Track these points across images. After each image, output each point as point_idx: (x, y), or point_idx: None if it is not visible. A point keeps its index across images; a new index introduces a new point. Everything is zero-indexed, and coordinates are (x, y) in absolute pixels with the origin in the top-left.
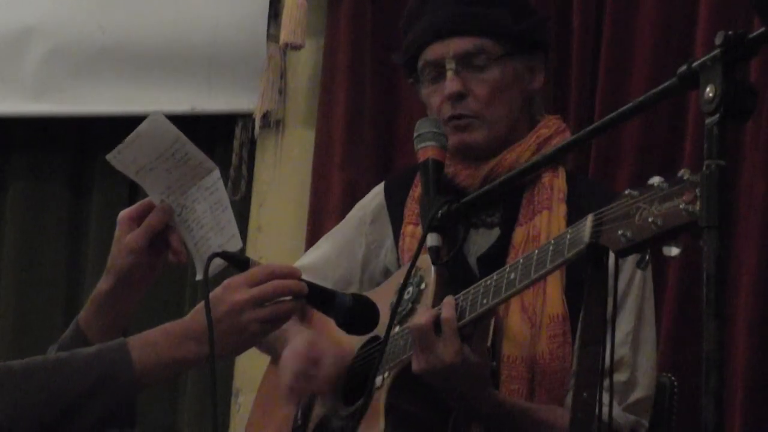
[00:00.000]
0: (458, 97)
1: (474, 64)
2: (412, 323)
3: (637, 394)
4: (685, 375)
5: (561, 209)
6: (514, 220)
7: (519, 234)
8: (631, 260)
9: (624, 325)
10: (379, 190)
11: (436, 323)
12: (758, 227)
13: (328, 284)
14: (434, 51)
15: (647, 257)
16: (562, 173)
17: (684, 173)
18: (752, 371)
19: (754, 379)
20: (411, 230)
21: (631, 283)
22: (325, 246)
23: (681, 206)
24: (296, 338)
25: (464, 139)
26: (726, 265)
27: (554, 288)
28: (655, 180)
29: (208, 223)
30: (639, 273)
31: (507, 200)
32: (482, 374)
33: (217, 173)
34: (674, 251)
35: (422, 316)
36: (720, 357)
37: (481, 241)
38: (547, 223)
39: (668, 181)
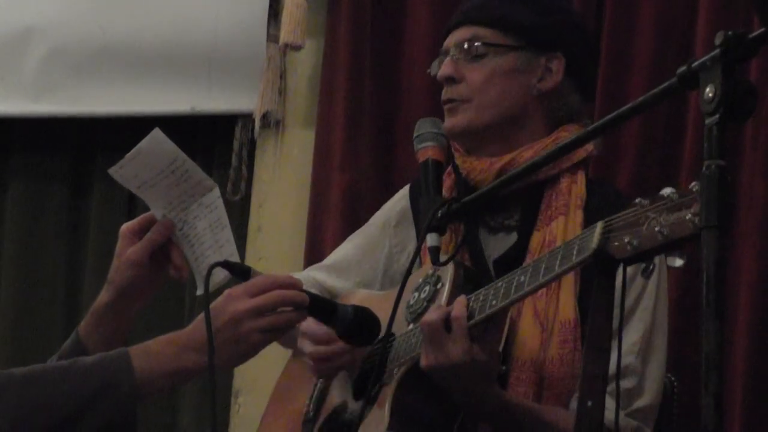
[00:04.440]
0: (450, 81)
1: (473, 52)
2: (423, 319)
3: (642, 402)
4: (685, 375)
5: (578, 216)
6: (532, 224)
7: (536, 239)
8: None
9: (634, 333)
10: (404, 193)
11: (447, 321)
12: (758, 227)
13: (350, 284)
14: (445, 43)
15: (651, 266)
16: (581, 179)
17: (695, 185)
18: (752, 371)
19: (754, 379)
20: None
21: (644, 290)
22: (349, 246)
23: (687, 217)
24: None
25: (450, 123)
26: (725, 265)
27: (567, 294)
28: (667, 190)
29: (207, 240)
30: (653, 281)
31: (526, 204)
32: (488, 372)
33: (217, 192)
34: (678, 262)
35: (434, 312)
36: (720, 357)
37: (499, 244)
38: (563, 229)
39: (679, 191)
